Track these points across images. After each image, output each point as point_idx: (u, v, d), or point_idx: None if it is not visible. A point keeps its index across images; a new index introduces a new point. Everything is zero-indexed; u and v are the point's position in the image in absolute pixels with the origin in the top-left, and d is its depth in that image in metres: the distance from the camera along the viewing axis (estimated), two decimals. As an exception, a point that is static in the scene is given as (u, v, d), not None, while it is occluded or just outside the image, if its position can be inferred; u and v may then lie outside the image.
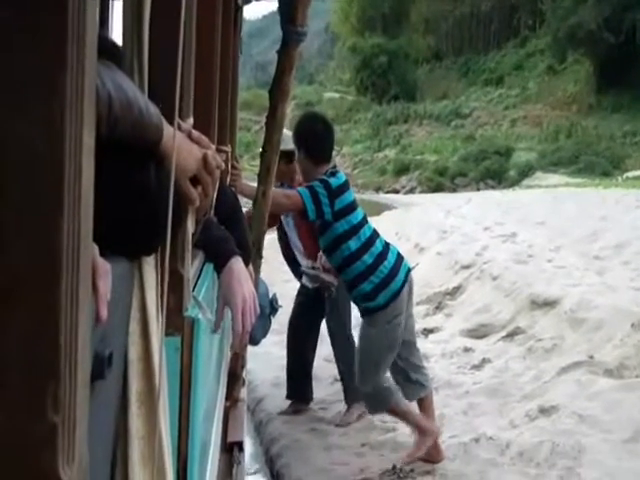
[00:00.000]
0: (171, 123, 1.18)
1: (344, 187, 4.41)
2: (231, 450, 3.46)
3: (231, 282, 1.98)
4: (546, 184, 33.75)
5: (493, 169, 42.62)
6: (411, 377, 4.75)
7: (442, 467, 4.81)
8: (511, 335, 7.11)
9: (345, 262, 4.44)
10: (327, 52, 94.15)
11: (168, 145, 1.14)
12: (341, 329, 5.63)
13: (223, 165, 1.50)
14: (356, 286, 4.48)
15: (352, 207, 4.40)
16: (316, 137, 4.56)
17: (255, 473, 5.36)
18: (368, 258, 4.38)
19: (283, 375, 6.80)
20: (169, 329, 1.39)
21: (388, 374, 4.73)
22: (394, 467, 4.78)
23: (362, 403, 5.24)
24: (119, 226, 0.98)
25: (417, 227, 14.10)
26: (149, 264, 1.21)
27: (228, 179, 3.73)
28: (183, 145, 1.29)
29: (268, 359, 7.37)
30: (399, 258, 4.53)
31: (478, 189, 38.68)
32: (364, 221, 4.47)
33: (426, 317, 8.37)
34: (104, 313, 0.87)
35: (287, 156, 4.86)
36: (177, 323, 1.45)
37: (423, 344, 7.20)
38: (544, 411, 5.27)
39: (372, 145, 53.94)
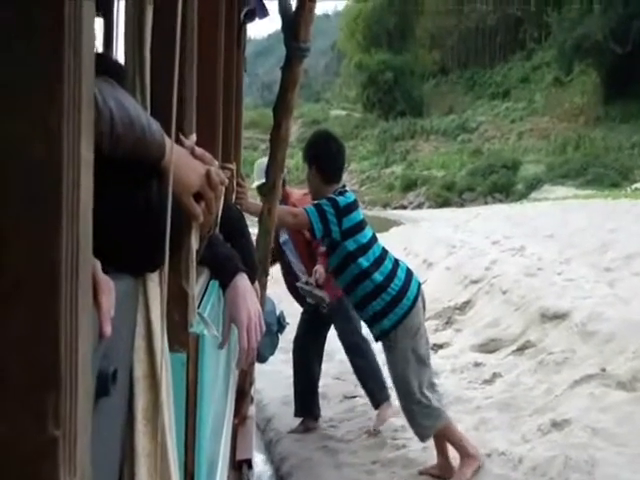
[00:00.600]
0: (172, 140, 1.18)
1: (352, 206, 4.40)
2: (240, 468, 3.49)
3: (236, 299, 1.98)
4: (554, 197, 33.65)
5: (501, 183, 42.53)
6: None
7: (453, 485, 4.76)
8: (521, 349, 7.05)
9: (354, 280, 4.41)
10: (333, 70, 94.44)
11: (170, 163, 1.14)
12: (353, 332, 5.61)
13: (227, 181, 1.53)
14: (365, 306, 4.44)
15: (360, 226, 4.38)
16: (329, 156, 4.56)
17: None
18: (378, 276, 4.35)
19: (292, 393, 6.78)
20: (174, 345, 1.39)
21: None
22: (406, 485, 4.75)
23: (389, 402, 5.15)
24: (122, 243, 0.97)
25: (425, 242, 14.05)
26: (153, 281, 1.21)
27: (234, 197, 3.74)
28: (186, 161, 1.29)
29: (277, 378, 7.33)
30: (409, 274, 4.50)
31: (486, 203, 38.60)
32: (373, 240, 4.44)
33: (436, 332, 8.31)
34: (108, 329, 0.87)
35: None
36: (182, 339, 1.45)
37: (433, 360, 7.14)
38: (556, 425, 5.21)
39: (379, 161, 53.94)
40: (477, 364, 6.96)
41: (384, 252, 4.50)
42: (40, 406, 0.61)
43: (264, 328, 2.12)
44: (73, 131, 0.62)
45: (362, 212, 4.56)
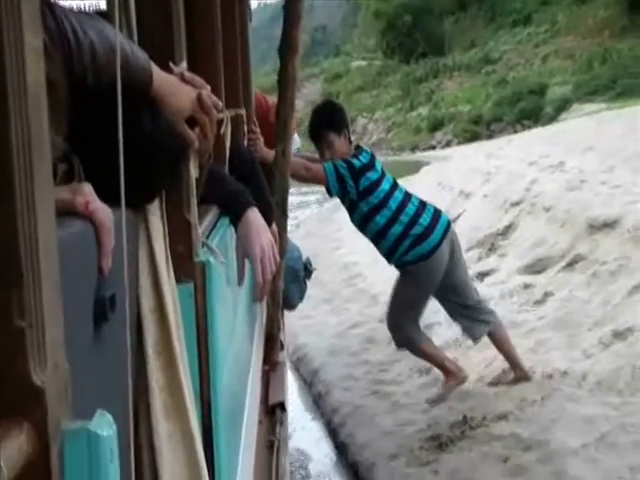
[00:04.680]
0: (159, 64, 1.19)
1: (368, 166, 4.45)
2: (274, 412, 3.51)
3: (249, 233, 1.95)
4: (585, 114, 32.74)
5: (528, 109, 41.58)
6: (473, 317, 4.76)
7: (515, 410, 4.46)
8: (571, 264, 6.66)
9: (377, 237, 4.55)
10: (350, 22, 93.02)
11: (160, 88, 1.17)
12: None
13: (220, 104, 1.46)
14: (393, 254, 4.56)
15: (377, 184, 4.44)
16: (340, 118, 4.59)
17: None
18: (397, 228, 4.46)
19: (339, 343, 6.55)
20: (181, 276, 1.37)
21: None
22: (464, 417, 4.46)
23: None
24: (118, 174, 0.92)
25: (459, 174, 13.58)
26: (154, 214, 1.22)
27: (245, 143, 3.65)
28: (175, 86, 1.27)
29: (322, 329, 7.09)
30: (435, 216, 4.56)
31: (515, 132, 37.69)
32: (391, 192, 4.49)
33: (479, 261, 7.96)
34: (107, 265, 0.90)
35: None
36: (188, 269, 1.43)
37: (479, 288, 6.81)
38: (618, 335, 4.87)
39: (404, 106, 53.03)
40: (526, 286, 6.60)
41: (406, 198, 4.55)
42: (3, 299, 0.62)
43: (278, 260, 2.09)
44: (13, 17, 0.62)
45: (380, 166, 4.56)
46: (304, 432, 5.33)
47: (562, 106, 40.22)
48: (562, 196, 8.20)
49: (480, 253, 8.17)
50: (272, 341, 3.96)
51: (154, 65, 1.17)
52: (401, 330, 4.68)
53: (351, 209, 4.55)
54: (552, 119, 38.61)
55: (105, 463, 0.69)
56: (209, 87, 1.40)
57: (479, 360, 5.23)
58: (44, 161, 0.67)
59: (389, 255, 4.59)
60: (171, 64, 1.34)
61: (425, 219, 4.49)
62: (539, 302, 6.15)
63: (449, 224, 4.62)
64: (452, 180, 13.07)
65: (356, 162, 4.40)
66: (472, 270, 7.57)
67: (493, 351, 5.16)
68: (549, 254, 7.16)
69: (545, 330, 5.46)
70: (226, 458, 1.59)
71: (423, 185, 14.10)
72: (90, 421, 0.69)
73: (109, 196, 0.94)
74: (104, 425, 0.70)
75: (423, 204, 4.59)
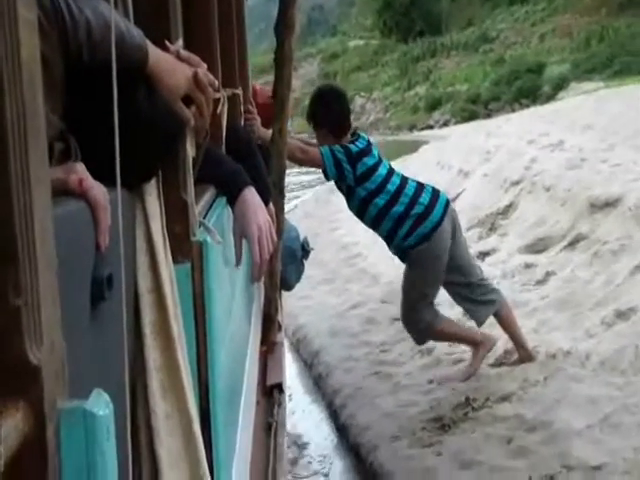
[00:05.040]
0: (155, 42, 1.19)
1: (365, 151, 4.44)
2: (272, 393, 3.53)
3: (245, 212, 1.96)
4: (583, 93, 32.58)
5: (526, 88, 41.52)
6: (477, 299, 4.71)
7: (518, 391, 4.42)
8: (573, 243, 6.62)
9: (377, 219, 4.51)
10: (348, 1, 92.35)
11: (156, 66, 1.17)
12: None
13: (216, 83, 1.46)
14: (393, 237, 4.53)
15: (374, 169, 4.43)
16: (334, 115, 4.54)
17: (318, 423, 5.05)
18: (398, 208, 4.44)
19: (339, 324, 6.50)
20: (178, 256, 1.37)
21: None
22: (467, 399, 4.43)
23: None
24: (113, 153, 0.91)
25: (458, 153, 13.50)
26: (151, 195, 1.21)
27: (242, 122, 3.63)
28: (171, 64, 1.26)
29: (322, 309, 7.05)
30: (434, 195, 4.54)
31: (513, 110, 37.61)
32: (389, 175, 4.49)
33: (480, 240, 7.92)
34: (104, 243, 0.90)
35: None
36: (185, 249, 1.42)
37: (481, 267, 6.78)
38: (621, 315, 4.83)
39: (401, 85, 52.92)
40: (528, 265, 6.56)
41: (403, 181, 4.53)
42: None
43: (275, 239, 2.09)
44: None
45: (376, 152, 4.55)
46: (305, 414, 5.30)
47: (560, 85, 40.14)
48: (562, 175, 8.14)
49: (480, 232, 8.13)
50: (270, 322, 3.96)
51: (150, 43, 1.16)
52: (419, 320, 4.62)
53: (349, 195, 4.54)
54: (550, 98, 38.51)
55: (101, 442, 0.68)
56: (205, 65, 1.39)
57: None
58: (39, 137, 0.66)
59: (390, 238, 4.55)
60: (167, 42, 1.34)
61: (425, 198, 4.48)
62: (541, 282, 6.12)
63: (448, 202, 4.62)
64: (451, 159, 13.01)
65: (353, 147, 4.40)
66: (473, 250, 7.51)
67: (496, 332, 5.13)
68: (550, 233, 7.12)
69: (547, 310, 5.42)
70: (224, 439, 1.59)
71: (421, 164, 14.05)
72: (86, 400, 0.69)
73: (105, 175, 0.93)
74: (101, 404, 0.70)
75: (421, 185, 4.59)
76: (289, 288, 4.59)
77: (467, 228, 8.53)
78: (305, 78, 55.29)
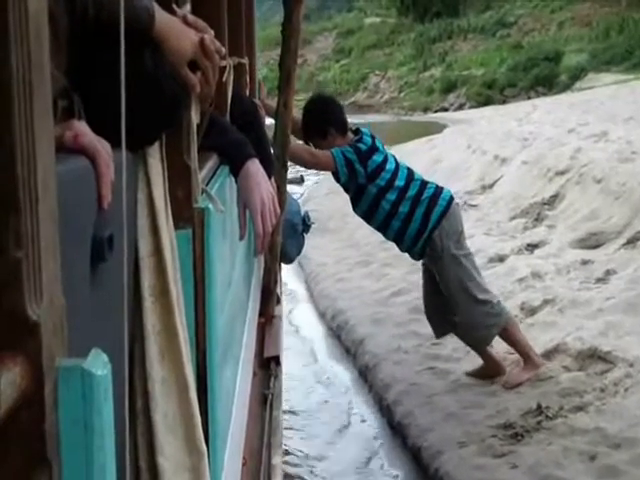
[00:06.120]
0: (162, 5, 1.19)
1: (372, 148, 4.40)
2: (269, 365, 3.55)
3: (249, 184, 1.96)
4: (600, 84, 32.10)
5: (543, 76, 41.06)
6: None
7: (595, 402, 4.09)
8: (632, 241, 6.27)
9: (388, 217, 4.43)
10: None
11: (162, 29, 1.16)
12: None
13: (223, 50, 1.44)
14: (403, 236, 4.45)
15: (382, 167, 4.39)
16: (335, 113, 4.50)
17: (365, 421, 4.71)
18: (405, 206, 4.39)
19: (383, 310, 6.17)
20: (179, 222, 1.36)
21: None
22: (539, 406, 4.09)
23: None
24: (118, 115, 0.84)
25: (491, 138, 13.08)
26: (154, 157, 1.21)
27: (247, 94, 3.61)
28: (178, 29, 1.25)
29: (361, 294, 6.70)
30: (437, 190, 4.48)
31: (528, 98, 37.20)
32: (397, 169, 4.44)
33: (526, 231, 7.57)
34: (107, 198, 0.90)
35: None
36: (187, 215, 1.41)
37: (531, 261, 6.44)
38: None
39: (417, 66, 52.24)
40: (584, 262, 6.20)
41: (410, 175, 4.48)
42: (1, 229, 0.60)
43: (279, 212, 2.12)
44: None
45: (382, 146, 4.53)
46: (350, 408, 4.98)
47: (577, 75, 39.73)
48: (615, 167, 7.76)
49: (526, 223, 7.78)
50: (269, 294, 3.98)
51: (157, 5, 1.16)
52: (477, 315, 4.36)
53: (358, 195, 4.47)
54: (566, 87, 38.10)
55: (99, 402, 0.67)
56: (212, 32, 1.37)
57: (545, 340, 4.85)
58: (44, 88, 0.66)
59: (403, 229, 4.43)
60: (174, 6, 1.33)
61: (431, 184, 4.53)
62: (602, 280, 5.76)
63: (452, 197, 4.54)
64: (483, 144, 12.58)
65: (362, 146, 4.37)
66: (519, 240, 7.19)
67: (560, 332, 4.81)
68: (604, 229, 6.77)
69: (615, 312, 5.06)
70: (220, 407, 1.59)
71: (451, 146, 13.65)
72: (85, 359, 0.67)
73: (108, 137, 0.92)
74: (99, 364, 0.68)
75: (424, 182, 4.54)
76: (289, 261, 4.58)
77: (510, 217, 8.18)
78: (320, 52, 54.66)
